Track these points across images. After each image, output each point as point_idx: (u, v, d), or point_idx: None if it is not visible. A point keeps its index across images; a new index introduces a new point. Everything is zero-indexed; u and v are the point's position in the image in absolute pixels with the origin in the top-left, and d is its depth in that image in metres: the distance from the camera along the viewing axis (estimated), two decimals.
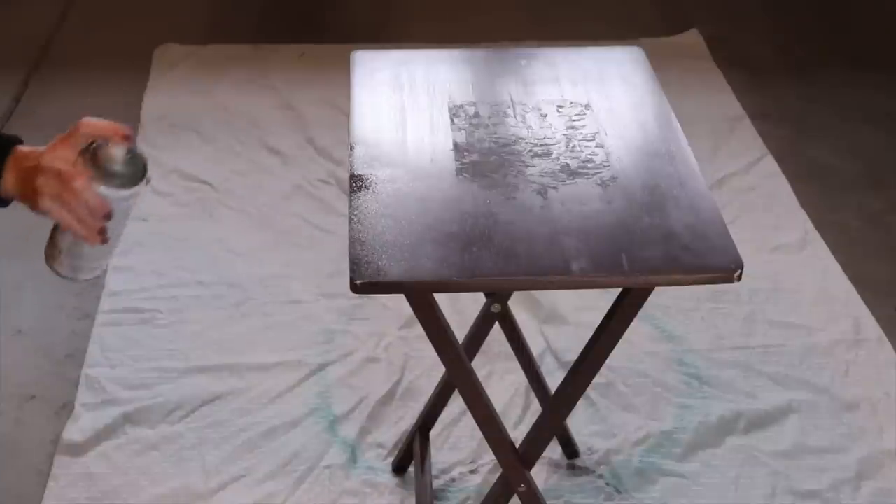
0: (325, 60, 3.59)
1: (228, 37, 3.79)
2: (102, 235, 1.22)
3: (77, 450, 2.19)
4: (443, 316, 1.52)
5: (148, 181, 1.22)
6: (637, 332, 2.43)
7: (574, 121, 1.69)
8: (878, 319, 2.60)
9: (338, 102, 3.29)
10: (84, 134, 1.20)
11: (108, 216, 1.20)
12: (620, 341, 1.56)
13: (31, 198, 1.20)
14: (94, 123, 1.20)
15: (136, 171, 1.21)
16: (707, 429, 2.29)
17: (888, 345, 2.53)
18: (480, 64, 1.85)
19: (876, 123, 3.43)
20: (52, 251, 1.28)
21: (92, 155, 1.18)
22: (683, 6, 4.09)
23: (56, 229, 1.26)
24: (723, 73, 3.64)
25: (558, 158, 1.60)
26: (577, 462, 2.20)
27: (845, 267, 2.77)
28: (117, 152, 1.19)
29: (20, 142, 1.23)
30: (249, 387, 2.36)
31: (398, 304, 2.49)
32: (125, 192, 1.21)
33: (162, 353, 2.44)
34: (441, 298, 1.50)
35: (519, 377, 2.22)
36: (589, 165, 1.59)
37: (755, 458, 2.22)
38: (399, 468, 2.16)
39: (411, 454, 2.13)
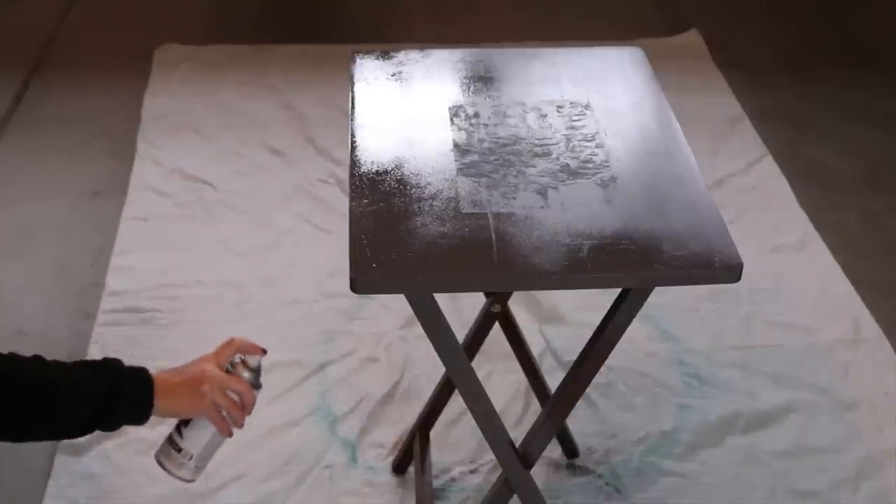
0: (325, 60, 3.59)
1: (229, 37, 3.79)
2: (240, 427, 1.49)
3: (77, 449, 2.19)
4: (443, 316, 1.52)
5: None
6: (637, 332, 2.42)
7: (574, 121, 1.69)
8: (878, 319, 2.60)
9: (338, 102, 3.29)
10: (236, 349, 1.48)
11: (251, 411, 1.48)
12: (620, 341, 1.57)
13: (193, 404, 1.43)
14: (243, 341, 1.49)
15: (259, 381, 1.50)
16: (707, 429, 2.29)
17: (888, 345, 2.53)
18: (480, 64, 1.85)
19: (876, 123, 3.43)
20: (177, 459, 1.47)
21: (242, 364, 1.48)
22: (683, 6, 4.09)
23: (181, 438, 1.46)
24: (722, 74, 3.64)
25: (558, 159, 1.60)
26: (577, 462, 2.20)
27: (845, 267, 2.77)
28: (255, 362, 1.48)
29: (145, 370, 1.42)
30: None
31: (398, 304, 2.49)
32: (258, 393, 1.49)
33: (162, 352, 2.44)
34: (441, 298, 1.50)
35: (519, 377, 2.22)
36: (589, 166, 1.59)
37: (755, 458, 2.23)
38: (399, 468, 2.17)
39: (411, 454, 2.13)
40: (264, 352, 1.50)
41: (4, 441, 1.34)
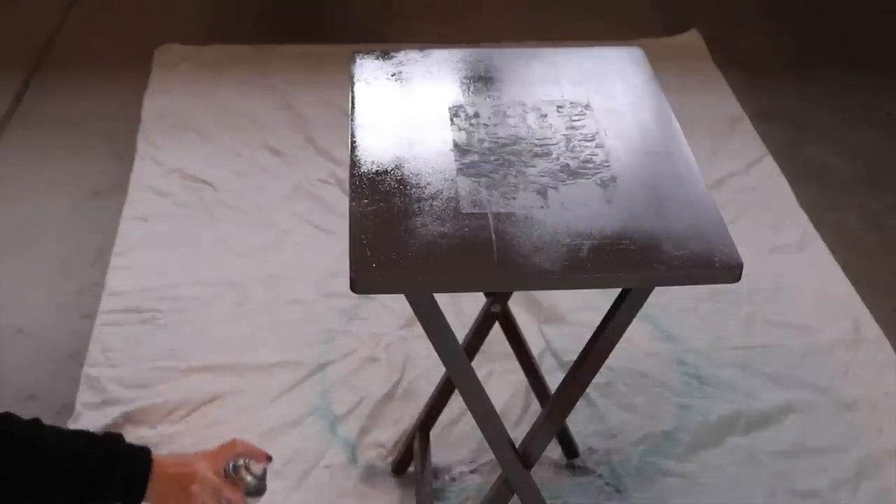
0: (325, 60, 3.59)
1: (229, 37, 3.79)
2: None
3: None
4: (443, 316, 1.52)
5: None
6: (637, 332, 2.42)
7: (574, 121, 1.69)
8: (878, 319, 2.60)
9: (338, 102, 3.29)
10: (237, 452, 1.43)
11: None
12: (620, 341, 1.57)
13: (178, 500, 1.37)
14: (247, 444, 1.44)
15: (264, 486, 1.45)
16: (707, 429, 2.29)
17: (888, 345, 2.53)
18: (480, 64, 1.85)
19: (876, 123, 3.43)
20: None
21: (243, 470, 1.42)
22: (683, 6, 4.09)
23: None
24: (722, 74, 3.64)
25: (558, 159, 1.60)
26: (577, 462, 2.20)
27: (845, 267, 2.77)
28: (259, 469, 1.43)
29: (147, 451, 1.38)
30: (250, 386, 2.36)
31: (398, 304, 2.49)
32: (256, 501, 1.44)
33: (162, 352, 2.44)
34: (441, 298, 1.50)
35: (519, 377, 2.22)
36: (589, 166, 1.59)
37: (755, 458, 2.23)
38: (399, 468, 2.17)
39: (411, 454, 2.13)
40: (269, 458, 1.45)
41: None
